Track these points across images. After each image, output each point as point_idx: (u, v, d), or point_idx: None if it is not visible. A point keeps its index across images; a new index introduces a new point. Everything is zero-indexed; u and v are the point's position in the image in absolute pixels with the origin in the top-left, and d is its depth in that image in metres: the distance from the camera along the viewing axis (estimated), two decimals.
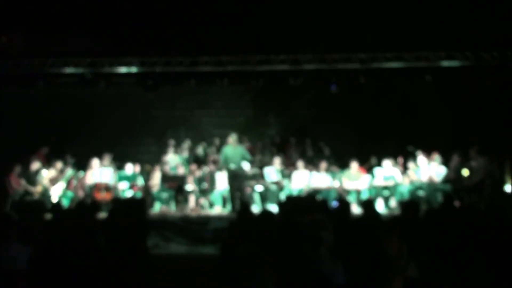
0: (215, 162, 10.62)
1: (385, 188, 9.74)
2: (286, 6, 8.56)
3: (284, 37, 9.36)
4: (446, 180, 9.34)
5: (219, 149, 11.71)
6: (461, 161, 9.50)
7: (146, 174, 9.95)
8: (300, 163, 10.43)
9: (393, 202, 9.63)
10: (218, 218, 8.64)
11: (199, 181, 10.14)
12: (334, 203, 8.91)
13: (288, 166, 10.93)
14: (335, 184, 10.02)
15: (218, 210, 9.80)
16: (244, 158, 10.02)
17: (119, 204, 7.81)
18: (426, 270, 2.95)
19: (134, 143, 12.93)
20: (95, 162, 10.05)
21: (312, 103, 11.86)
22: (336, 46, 10.06)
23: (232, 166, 9.82)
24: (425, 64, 10.71)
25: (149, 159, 12.01)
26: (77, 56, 10.52)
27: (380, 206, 9.28)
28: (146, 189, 9.84)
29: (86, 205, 6.00)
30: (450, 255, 3.19)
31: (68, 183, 10.00)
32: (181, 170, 10.68)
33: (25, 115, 11.73)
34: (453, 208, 4.65)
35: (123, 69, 11.00)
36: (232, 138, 10.06)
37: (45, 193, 9.34)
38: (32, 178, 9.50)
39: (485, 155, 9.31)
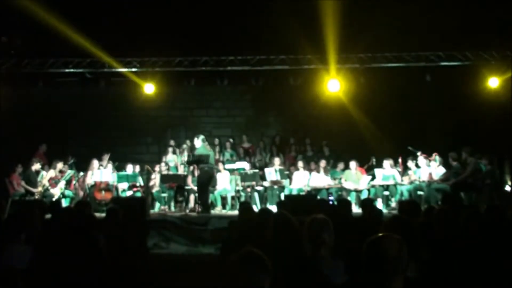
0: (216, 162, 10.60)
1: (385, 188, 9.75)
2: (286, 7, 8.55)
3: (284, 37, 9.35)
4: (443, 179, 9.32)
5: (220, 150, 11.73)
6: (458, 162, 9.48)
7: (146, 174, 9.96)
8: (300, 163, 10.44)
9: (393, 202, 9.64)
10: (218, 218, 8.63)
11: None
12: (331, 199, 9.01)
13: (288, 166, 10.95)
14: (335, 184, 10.04)
15: (218, 210, 9.82)
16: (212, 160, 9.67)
17: (119, 204, 7.80)
18: (426, 270, 2.95)
19: (134, 143, 12.94)
20: (95, 162, 10.09)
21: (312, 103, 11.85)
22: (336, 46, 10.05)
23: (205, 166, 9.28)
24: (425, 64, 10.71)
25: (149, 159, 12.02)
26: (77, 56, 10.50)
27: (380, 206, 9.28)
28: (146, 189, 9.86)
29: (85, 203, 5.99)
30: (450, 255, 3.19)
31: (68, 183, 10.01)
32: (181, 170, 10.70)
33: (25, 115, 11.73)
34: (453, 208, 4.64)
35: (123, 69, 10.99)
36: (202, 139, 9.50)
37: (45, 193, 9.34)
38: (32, 179, 9.51)
39: (476, 156, 9.31)
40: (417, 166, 9.84)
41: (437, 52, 10.51)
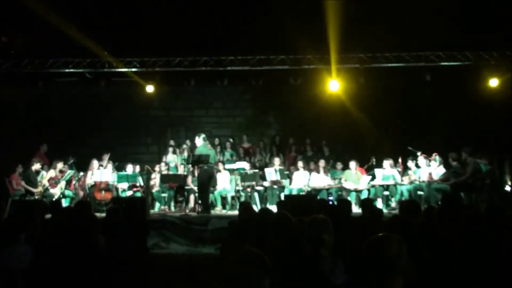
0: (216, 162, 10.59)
1: (385, 188, 9.75)
2: (286, 7, 8.56)
3: (284, 37, 9.35)
4: (443, 179, 9.32)
5: (221, 150, 11.72)
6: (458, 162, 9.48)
7: (146, 174, 9.97)
8: (300, 163, 10.44)
9: (393, 202, 9.64)
10: (218, 218, 8.63)
11: None
12: (331, 199, 9.01)
13: (288, 166, 10.95)
14: (335, 184, 10.04)
15: (218, 210, 9.82)
16: (214, 159, 9.63)
17: (119, 204, 7.82)
18: (426, 270, 2.95)
19: (134, 143, 12.95)
20: (95, 162, 10.10)
21: (312, 103, 11.85)
22: (336, 46, 10.06)
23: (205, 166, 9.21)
24: (425, 64, 10.71)
25: (149, 159, 12.02)
26: (77, 56, 10.51)
27: (380, 206, 9.28)
28: (146, 189, 9.86)
29: (85, 203, 5.99)
30: (450, 255, 3.19)
31: (68, 183, 10.01)
32: (181, 170, 10.70)
33: (25, 115, 11.73)
34: (453, 208, 4.64)
35: (123, 69, 10.99)
36: (203, 138, 9.42)
37: (45, 193, 9.34)
38: (32, 179, 9.51)
39: (476, 156, 9.31)
40: (417, 166, 9.84)
41: (437, 52, 10.51)
